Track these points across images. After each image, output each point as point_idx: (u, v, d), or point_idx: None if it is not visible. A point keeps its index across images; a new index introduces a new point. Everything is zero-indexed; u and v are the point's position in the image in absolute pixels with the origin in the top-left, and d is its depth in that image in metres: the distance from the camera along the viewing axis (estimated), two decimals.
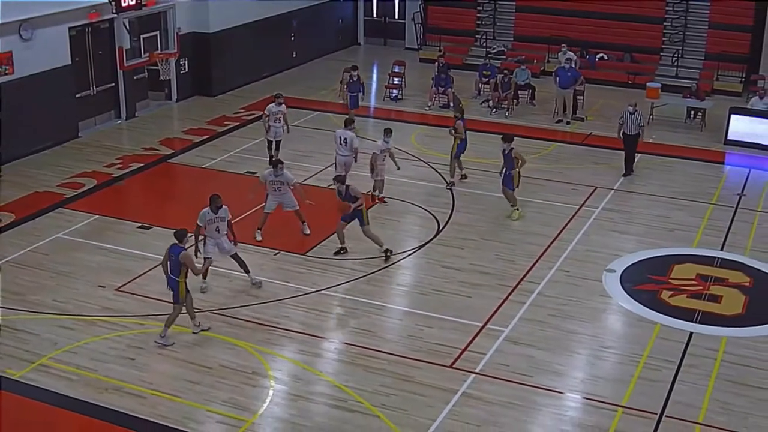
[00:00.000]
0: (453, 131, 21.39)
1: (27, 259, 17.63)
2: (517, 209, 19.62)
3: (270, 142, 22.38)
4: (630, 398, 13.47)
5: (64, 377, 13.80)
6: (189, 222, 18.04)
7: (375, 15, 37.67)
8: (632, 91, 28.81)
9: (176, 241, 14.59)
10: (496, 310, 15.85)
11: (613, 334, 15.49)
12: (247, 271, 16.55)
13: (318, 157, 23.20)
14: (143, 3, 22.98)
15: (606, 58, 31.76)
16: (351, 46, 36.89)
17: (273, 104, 22.31)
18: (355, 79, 25.94)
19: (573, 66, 27.16)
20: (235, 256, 16.43)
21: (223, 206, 16.13)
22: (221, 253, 16.25)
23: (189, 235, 14.86)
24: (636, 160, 22.87)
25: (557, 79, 26.51)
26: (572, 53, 28.65)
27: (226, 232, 16.26)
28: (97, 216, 19.44)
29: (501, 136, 19.92)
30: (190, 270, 14.53)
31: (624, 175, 22.36)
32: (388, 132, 20.40)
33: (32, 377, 13.78)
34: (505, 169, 19.66)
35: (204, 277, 16.37)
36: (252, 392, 13.52)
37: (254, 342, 14.81)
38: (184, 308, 14.83)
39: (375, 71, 33.03)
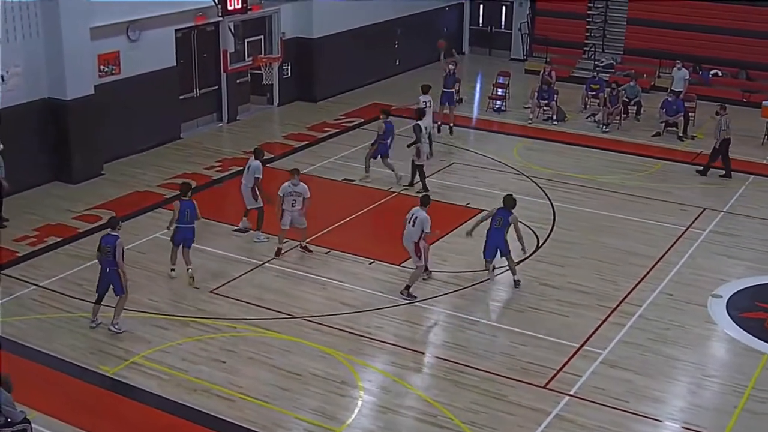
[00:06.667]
0: None
1: (125, 258, 18.05)
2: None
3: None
4: (732, 430, 13.08)
5: (156, 376, 14.11)
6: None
7: (481, 24, 37.61)
8: (747, 109, 28.09)
9: (110, 230, 15.34)
10: (594, 331, 15.61)
11: (716, 363, 15.09)
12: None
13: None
14: (249, 7, 23.36)
15: (720, 74, 31.05)
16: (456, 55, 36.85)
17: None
18: (451, 72, 25.99)
19: (680, 94, 26.77)
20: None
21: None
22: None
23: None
24: (723, 171, 22.89)
25: (663, 109, 26.18)
26: (686, 69, 28.09)
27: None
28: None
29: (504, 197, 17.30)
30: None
31: (697, 171, 23.25)
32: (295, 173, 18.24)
33: (125, 374, 14.13)
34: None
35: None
36: (341, 402, 13.60)
37: (345, 351, 14.89)
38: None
39: (479, 81, 32.96)
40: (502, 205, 17.00)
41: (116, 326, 15.26)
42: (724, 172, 23.02)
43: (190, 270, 17.06)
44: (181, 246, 17.11)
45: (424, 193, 17.87)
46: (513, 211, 16.90)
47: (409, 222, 16.59)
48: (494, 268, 17.43)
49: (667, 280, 17.52)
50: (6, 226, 19.34)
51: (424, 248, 16.67)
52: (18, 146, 20.58)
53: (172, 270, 17.31)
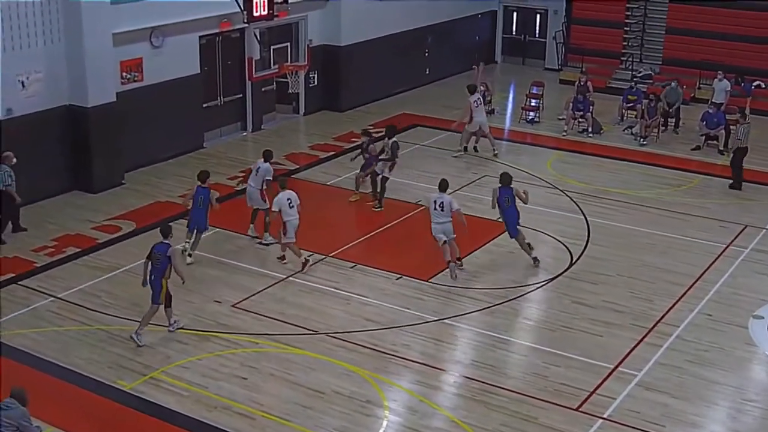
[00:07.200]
0: None
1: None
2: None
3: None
4: None
5: (175, 392, 14.13)
6: (308, 241, 18.36)
7: (514, 32, 37.58)
8: None
9: (162, 238, 15.58)
10: (629, 352, 15.49)
11: (757, 386, 14.91)
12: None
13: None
14: (275, 14, 23.45)
15: (763, 86, 30.82)
16: (488, 64, 36.79)
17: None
18: (482, 92, 26.31)
19: (721, 106, 26.56)
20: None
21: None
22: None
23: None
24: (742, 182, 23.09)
25: (704, 122, 26.00)
26: (727, 80, 27.93)
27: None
28: (217, 229, 19.89)
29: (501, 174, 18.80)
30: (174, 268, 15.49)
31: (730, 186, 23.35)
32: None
33: (143, 390, 14.17)
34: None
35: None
36: (365, 422, 13.56)
37: (370, 369, 14.86)
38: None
39: (512, 92, 32.90)
40: (501, 185, 18.37)
41: (138, 337, 15.37)
42: (733, 181, 23.27)
43: (187, 247, 18.45)
44: (195, 231, 18.52)
45: (442, 178, 18.46)
46: (512, 185, 18.39)
47: (436, 208, 17.76)
48: (530, 245, 18.57)
49: (706, 299, 17.38)
50: (26, 229, 19.64)
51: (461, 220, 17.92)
52: (37, 154, 20.84)
53: (189, 253, 18.37)
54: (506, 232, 18.53)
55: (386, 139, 21.64)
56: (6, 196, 19.17)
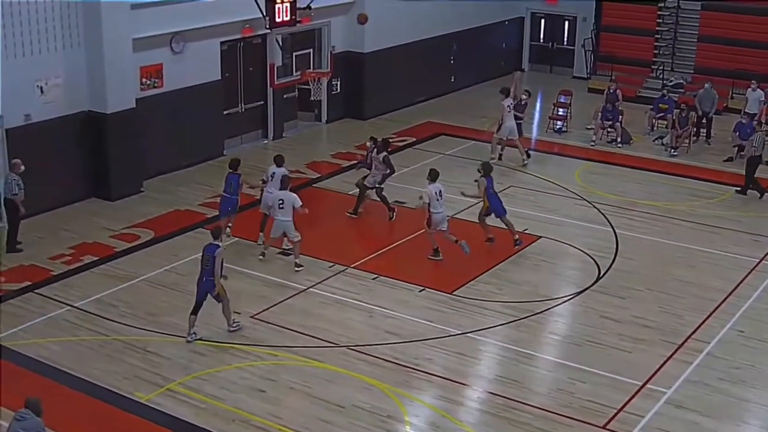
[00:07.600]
0: None
1: (163, 279, 18.27)
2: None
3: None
4: None
5: (193, 405, 14.16)
6: (330, 251, 18.36)
7: (542, 40, 37.54)
8: None
9: (212, 239, 15.96)
10: (658, 369, 15.40)
11: None
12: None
13: (471, 189, 23.13)
14: (298, 20, 23.51)
15: None
16: (515, 72, 36.71)
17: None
18: (523, 102, 26.37)
19: (754, 116, 26.44)
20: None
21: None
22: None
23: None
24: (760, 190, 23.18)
25: (736, 132, 25.83)
26: (761, 90, 27.77)
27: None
28: (237, 239, 19.96)
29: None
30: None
31: (737, 191, 23.51)
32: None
33: (160, 402, 14.21)
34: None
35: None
36: None
37: (392, 383, 14.85)
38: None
39: (539, 100, 32.83)
40: (484, 174, 19.58)
41: (235, 325, 16.19)
42: (759, 194, 23.25)
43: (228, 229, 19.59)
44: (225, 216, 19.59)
45: (431, 168, 19.50)
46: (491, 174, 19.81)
47: (439, 198, 18.75)
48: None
49: (738, 315, 17.27)
50: (21, 250, 19.33)
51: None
52: (55, 160, 21.00)
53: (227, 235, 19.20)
54: (534, 241, 18.73)
55: (377, 152, 21.51)
56: (13, 206, 19.10)
